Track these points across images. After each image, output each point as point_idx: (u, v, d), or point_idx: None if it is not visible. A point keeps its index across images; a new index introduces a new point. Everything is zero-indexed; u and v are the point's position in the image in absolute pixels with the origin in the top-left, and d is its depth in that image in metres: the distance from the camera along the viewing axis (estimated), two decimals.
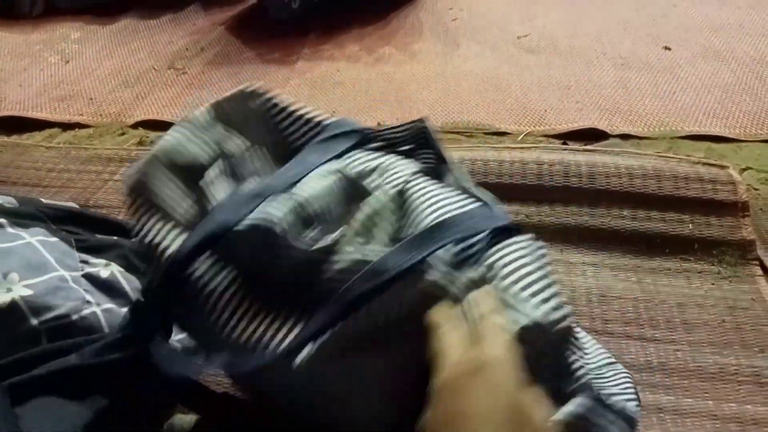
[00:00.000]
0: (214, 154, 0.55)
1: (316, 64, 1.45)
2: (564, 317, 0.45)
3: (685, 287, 0.83)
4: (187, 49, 1.55)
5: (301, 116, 0.60)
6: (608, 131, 1.13)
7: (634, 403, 0.51)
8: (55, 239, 0.68)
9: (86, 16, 1.76)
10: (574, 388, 0.46)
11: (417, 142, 0.59)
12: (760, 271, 0.85)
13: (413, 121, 0.59)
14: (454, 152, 1.02)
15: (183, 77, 1.41)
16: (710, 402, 0.70)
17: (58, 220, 0.74)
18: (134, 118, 1.25)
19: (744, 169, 1.03)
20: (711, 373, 0.73)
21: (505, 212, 0.51)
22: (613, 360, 0.56)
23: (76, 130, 1.24)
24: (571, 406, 0.44)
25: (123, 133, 1.22)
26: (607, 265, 0.87)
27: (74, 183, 1.06)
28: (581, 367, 0.47)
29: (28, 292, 0.58)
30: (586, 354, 0.56)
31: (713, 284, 0.83)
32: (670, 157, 0.99)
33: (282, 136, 0.60)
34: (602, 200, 0.92)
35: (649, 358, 0.74)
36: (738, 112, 1.18)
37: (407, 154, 0.59)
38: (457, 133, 1.16)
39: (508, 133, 1.15)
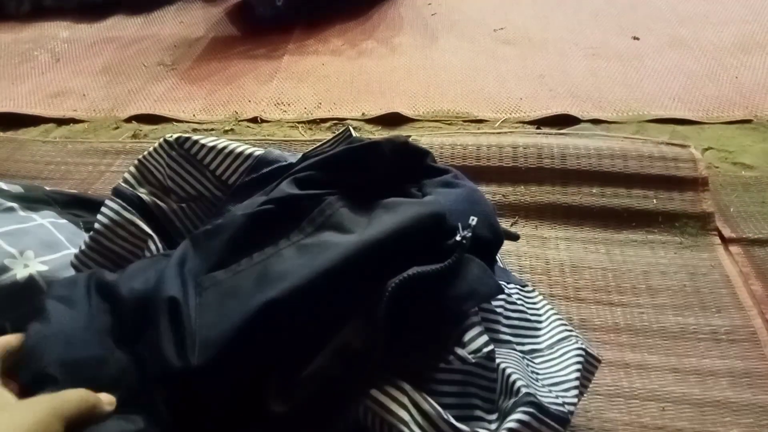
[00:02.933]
0: (144, 235, 0.60)
1: (302, 59, 1.50)
2: (486, 343, 0.50)
3: (650, 256, 0.89)
4: (175, 45, 1.60)
5: (230, 152, 0.63)
6: (580, 117, 1.20)
7: (575, 386, 0.55)
8: (64, 221, 0.73)
9: (74, 14, 1.80)
10: (515, 402, 0.50)
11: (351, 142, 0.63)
12: (718, 241, 0.91)
13: (340, 132, 0.63)
14: (435, 138, 1.08)
15: (172, 72, 1.46)
16: (672, 358, 0.76)
17: (65, 204, 0.79)
18: (127, 113, 1.30)
19: (706, 149, 1.10)
20: (673, 332, 0.79)
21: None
22: (568, 333, 0.61)
23: (71, 125, 1.28)
24: (511, 423, 0.48)
25: (117, 127, 1.26)
26: (579, 239, 0.93)
27: (72, 175, 1.10)
28: (518, 379, 0.51)
29: (44, 267, 0.63)
30: (537, 336, 0.61)
31: (675, 253, 0.90)
32: (635, 138, 1.06)
33: (215, 175, 0.63)
34: (573, 179, 0.98)
35: (616, 321, 0.81)
36: (701, 97, 1.25)
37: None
38: (438, 121, 1.22)
39: (486, 121, 1.22)
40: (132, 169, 0.63)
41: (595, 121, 1.19)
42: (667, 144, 1.03)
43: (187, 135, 0.63)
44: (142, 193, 0.61)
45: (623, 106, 1.23)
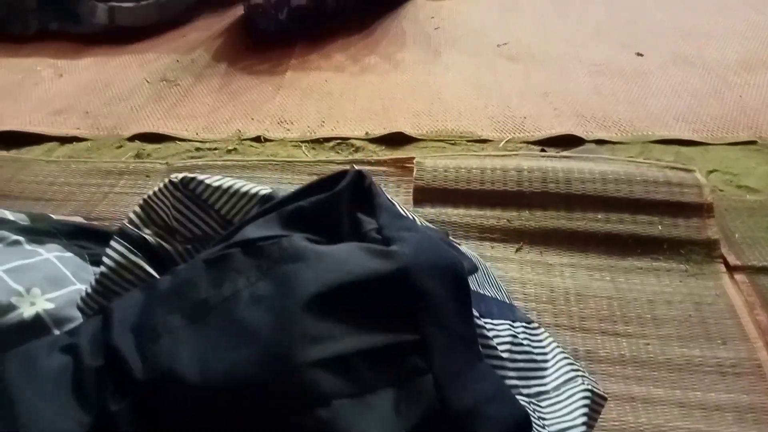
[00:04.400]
0: (149, 278, 0.59)
1: (305, 75, 1.50)
2: None
3: (655, 285, 0.89)
4: (177, 61, 1.59)
5: (235, 191, 0.62)
6: (584, 137, 1.20)
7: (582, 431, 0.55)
8: (69, 254, 0.73)
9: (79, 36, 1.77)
10: None
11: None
12: (723, 269, 0.91)
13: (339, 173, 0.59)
14: (439, 161, 1.08)
15: (175, 89, 1.46)
16: (678, 391, 0.76)
17: (70, 236, 0.79)
18: (130, 131, 1.30)
19: (711, 171, 1.10)
20: (678, 364, 0.79)
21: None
22: (574, 374, 0.61)
23: (74, 143, 1.28)
24: None
25: (120, 146, 1.26)
26: (584, 266, 0.93)
27: (76, 196, 1.10)
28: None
29: (50, 305, 0.63)
30: (544, 376, 0.60)
31: (681, 281, 0.90)
32: (640, 162, 1.06)
33: (220, 215, 0.63)
34: (578, 204, 0.98)
35: (622, 352, 0.81)
36: (705, 116, 1.25)
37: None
38: (442, 141, 1.22)
39: (490, 140, 1.22)
40: (137, 209, 0.62)
41: (599, 142, 1.19)
42: (672, 168, 1.03)
43: (192, 175, 0.63)
44: (147, 234, 0.61)
45: (628, 125, 1.23)
